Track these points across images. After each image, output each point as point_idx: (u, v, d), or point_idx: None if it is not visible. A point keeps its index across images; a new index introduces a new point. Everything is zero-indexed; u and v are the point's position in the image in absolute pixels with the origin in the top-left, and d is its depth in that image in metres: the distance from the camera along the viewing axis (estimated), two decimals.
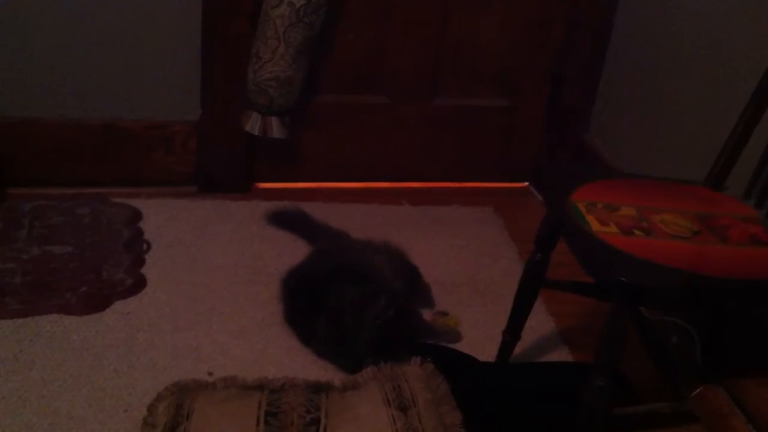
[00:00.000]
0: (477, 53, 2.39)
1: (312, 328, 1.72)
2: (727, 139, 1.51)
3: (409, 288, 1.90)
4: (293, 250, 2.05)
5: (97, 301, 1.80)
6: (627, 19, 2.27)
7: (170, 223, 2.14)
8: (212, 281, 1.93)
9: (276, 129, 2.19)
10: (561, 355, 1.80)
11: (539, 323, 1.88)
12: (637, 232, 1.30)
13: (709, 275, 1.24)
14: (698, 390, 1.44)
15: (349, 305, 1.67)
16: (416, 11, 2.29)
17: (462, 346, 1.79)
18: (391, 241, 2.03)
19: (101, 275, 1.88)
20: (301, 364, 1.70)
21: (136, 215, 2.14)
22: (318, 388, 1.49)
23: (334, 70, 2.31)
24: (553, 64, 2.44)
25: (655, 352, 1.56)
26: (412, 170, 2.51)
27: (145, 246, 2.02)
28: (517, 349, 1.71)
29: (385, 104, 2.40)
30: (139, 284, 1.88)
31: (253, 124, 2.18)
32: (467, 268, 2.10)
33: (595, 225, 1.31)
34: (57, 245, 1.96)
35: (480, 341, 1.82)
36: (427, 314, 1.88)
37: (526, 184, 2.59)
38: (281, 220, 2.18)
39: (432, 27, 2.32)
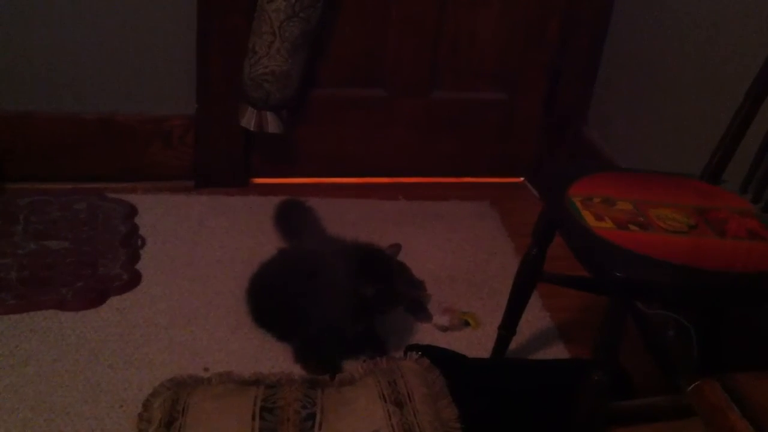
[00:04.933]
0: (474, 48, 2.38)
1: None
2: (725, 132, 1.51)
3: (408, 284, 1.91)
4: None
5: (93, 297, 1.79)
6: (624, 13, 2.27)
7: (167, 218, 2.13)
8: (208, 276, 1.92)
9: (272, 124, 2.19)
10: (557, 349, 1.80)
11: (535, 317, 1.88)
12: (632, 226, 1.30)
13: (706, 269, 1.23)
14: (695, 384, 1.43)
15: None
16: (414, 6, 2.28)
17: (459, 340, 1.79)
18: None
19: (97, 270, 1.88)
20: None
21: (133, 210, 2.13)
22: (314, 384, 1.49)
23: (332, 64, 2.30)
24: (550, 59, 2.43)
25: (653, 347, 1.55)
26: (409, 165, 2.50)
27: (141, 241, 2.02)
28: (513, 344, 1.71)
29: (383, 98, 2.40)
30: (136, 279, 1.87)
31: (248, 119, 2.18)
32: (464, 262, 2.10)
33: (591, 220, 1.31)
34: (53, 240, 1.96)
35: (476, 335, 1.82)
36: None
37: (523, 179, 2.59)
38: (284, 214, 2.14)
39: (429, 22, 2.32)
